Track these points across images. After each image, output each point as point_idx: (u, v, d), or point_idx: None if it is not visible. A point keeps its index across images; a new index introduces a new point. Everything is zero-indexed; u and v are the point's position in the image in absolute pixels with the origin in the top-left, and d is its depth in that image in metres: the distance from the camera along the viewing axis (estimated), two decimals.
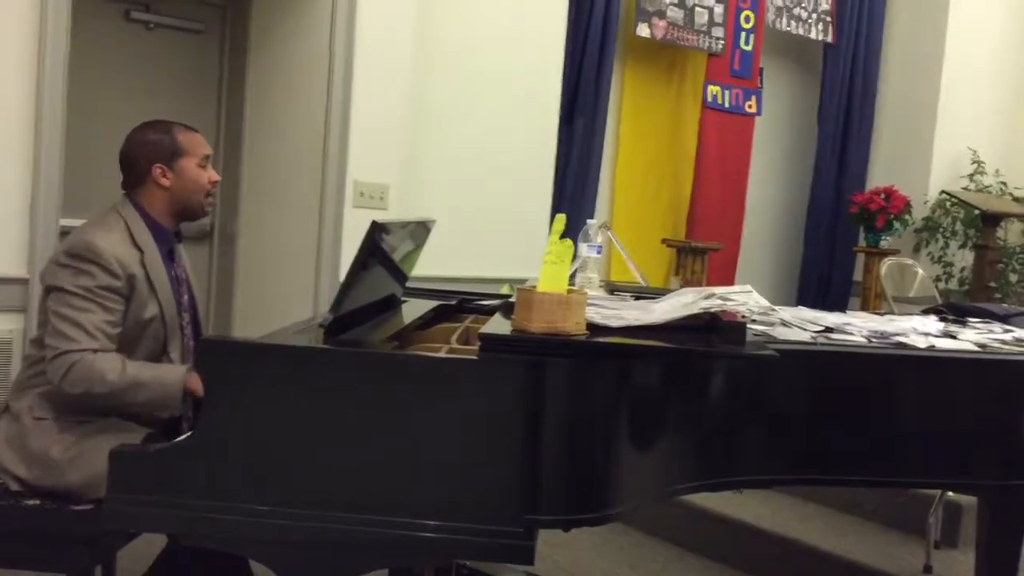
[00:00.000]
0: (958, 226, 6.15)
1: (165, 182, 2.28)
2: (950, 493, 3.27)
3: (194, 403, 2.24)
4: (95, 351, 2.08)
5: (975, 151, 6.22)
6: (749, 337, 2.00)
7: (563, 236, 1.91)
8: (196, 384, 2.12)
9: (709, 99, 5.79)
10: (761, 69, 6.05)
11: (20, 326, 3.21)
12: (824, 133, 6.29)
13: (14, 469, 2.14)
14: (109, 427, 2.16)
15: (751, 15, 5.84)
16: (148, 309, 2.21)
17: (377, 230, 1.91)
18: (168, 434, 2.22)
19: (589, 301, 1.99)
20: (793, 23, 6.10)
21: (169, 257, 2.33)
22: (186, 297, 2.38)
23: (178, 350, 2.30)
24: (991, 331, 2.64)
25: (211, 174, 2.35)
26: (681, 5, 5.47)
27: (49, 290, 2.16)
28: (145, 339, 2.23)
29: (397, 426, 1.74)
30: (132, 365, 2.12)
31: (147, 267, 2.22)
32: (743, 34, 5.84)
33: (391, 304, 2.38)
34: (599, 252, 2.56)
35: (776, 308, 2.41)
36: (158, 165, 2.27)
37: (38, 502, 2.11)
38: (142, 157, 2.28)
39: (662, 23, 5.39)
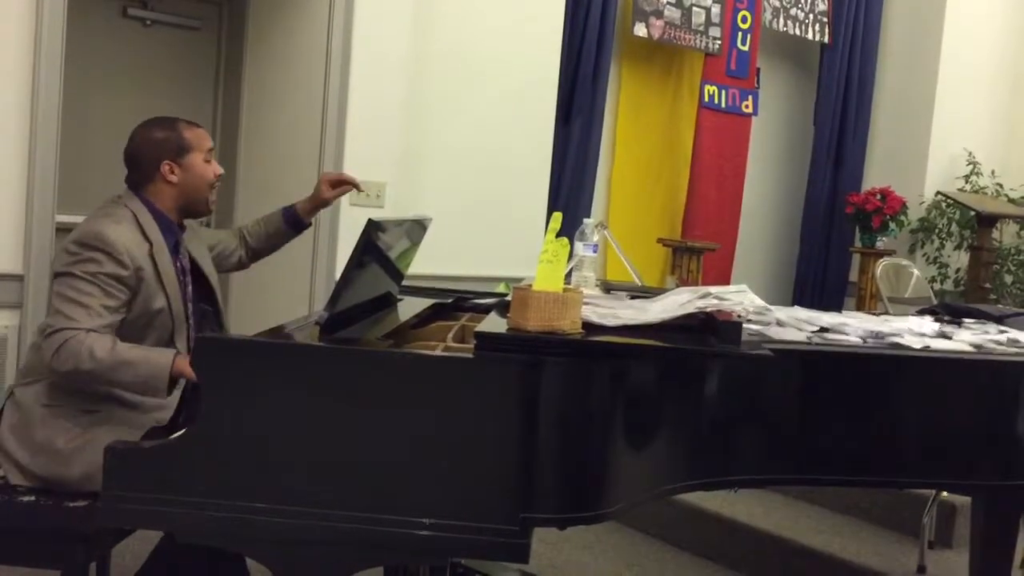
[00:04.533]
0: (954, 227, 6.16)
1: (173, 178, 2.30)
2: (944, 493, 3.28)
3: (191, 392, 2.25)
4: (89, 331, 2.09)
5: (971, 152, 6.23)
6: (744, 337, 2.00)
7: (559, 235, 1.91)
8: (183, 366, 2.12)
9: (706, 99, 5.80)
10: (758, 69, 6.05)
11: (16, 323, 3.21)
12: (820, 133, 6.30)
13: (17, 456, 2.15)
14: (114, 419, 2.16)
15: (748, 15, 5.85)
16: (156, 301, 2.23)
17: (373, 228, 1.91)
18: (171, 430, 2.22)
19: (585, 300, 1.99)
20: (790, 23, 6.11)
21: (174, 250, 2.34)
22: (189, 288, 2.39)
23: (184, 340, 2.31)
24: (986, 332, 2.64)
25: (215, 167, 2.37)
26: (678, 5, 5.47)
27: (56, 276, 2.18)
28: (153, 329, 2.24)
29: (392, 424, 1.74)
30: (122, 345, 2.12)
31: (155, 259, 2.23)
32: (740, 34, 5.85)
33: (387, 302, 2.38)
34: (595, 251, 2.56)
35: (771, 308, 2.40)
36: (167, 162, 2.29)
37: (34, 498, 2.11)
38: (151, 155, 2.29)
39: (659, 23, 5.40)
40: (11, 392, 2.25)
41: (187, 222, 2.42)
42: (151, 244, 2.24)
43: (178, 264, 2.34)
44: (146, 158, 2.29)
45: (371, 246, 1.96)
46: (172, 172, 2.29)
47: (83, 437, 2.13)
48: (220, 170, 2.38)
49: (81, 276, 2.12)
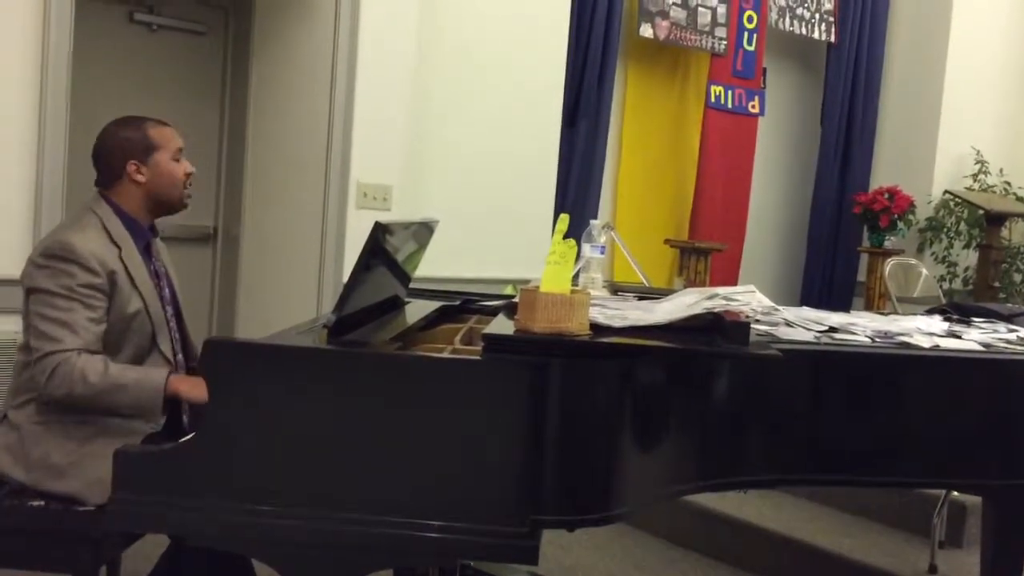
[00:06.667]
0: (962, 226, 6.14)
1: (140, 178, 2.27)
2: (955, 493, 3.27)
3: (192, 406, 2.24)
4: (80, 352, 2.07)
5: (979, 151, 6.21)
6: (753, 337, 2.00)
7: (566, 236, 1.91)
8: (178, 387, 2.12)
9: (712, 99, 5.79)
10: (764, 69, 6.04)
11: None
12: (827, 133, 6.29)
13: (15, 475, 2.13)
14: (110, 430, 2.15)
15: (754, 15, 5.84)
16: (131, 304, 2.20)
17: (380, 231, 1.90)
18: (171, 435, 2.22)
19: (592, 301, 1.99)
20: (796, 23, 6.10)
21: (146, 252, 2.32)
22: (167, 291, 2.38)
23: (167, 342, 2.30)
24: (995, 331, 2.63)
25: (185, 166, 2.33)
26: (684, 5, 5.47)
27: (29, 292, 2.15)
28: (132, 333, 2.22)
29: (401, 427, 1.74)
30: (115, 368, 2.10)
31: (126, 262, 2.21)
32: (746, 34, 5.84)
33: (394, 305, 2.38)
34: (602, 252, 2.56)
35: (780, 308, 2.40)
36: (132, 161, 2.26)
37: (43, 502, 2.11)
38: (116, 154, 2.27)
39: (665, 23, 5.39)
40: (4, 414, 2.23)
41: (156, 243, 2.40)
42: (120, 248, 2.21)
43: (151, 267, 2.32)
44: (112, 157, 2.27)
45: (378, 249, 1.96)
46: (138, 172, 2.26)
47: (79, 452, 2.12)
48: (191, 168, 2.35)
49: (57, 292, 2.09)
